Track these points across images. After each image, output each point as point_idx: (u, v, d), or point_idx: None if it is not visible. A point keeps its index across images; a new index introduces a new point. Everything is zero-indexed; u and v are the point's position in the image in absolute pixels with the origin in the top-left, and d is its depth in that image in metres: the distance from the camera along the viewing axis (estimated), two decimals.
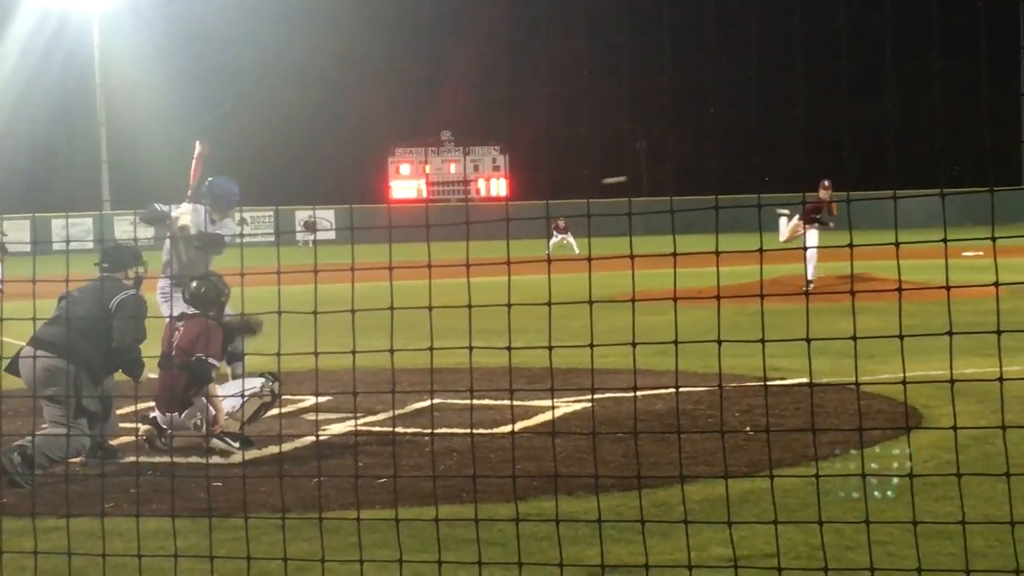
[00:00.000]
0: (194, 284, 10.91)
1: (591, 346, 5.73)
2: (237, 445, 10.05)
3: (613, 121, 76.65)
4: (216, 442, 10.03)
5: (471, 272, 5.73)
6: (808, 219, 25.54)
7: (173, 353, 10.44)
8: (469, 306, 5.89)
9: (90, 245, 60.14)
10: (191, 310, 10.68)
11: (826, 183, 25.96)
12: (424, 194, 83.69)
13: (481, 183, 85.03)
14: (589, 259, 5.93)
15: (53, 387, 9.26)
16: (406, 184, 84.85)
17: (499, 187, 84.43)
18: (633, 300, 5.58)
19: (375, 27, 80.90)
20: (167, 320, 10.94)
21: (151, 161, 64.38)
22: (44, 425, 9.38)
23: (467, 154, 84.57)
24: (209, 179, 13.15)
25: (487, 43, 77.91)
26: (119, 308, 9.65)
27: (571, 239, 48.39)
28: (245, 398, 10.24)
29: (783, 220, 26.40)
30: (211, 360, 10.31)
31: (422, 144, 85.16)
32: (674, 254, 5.48)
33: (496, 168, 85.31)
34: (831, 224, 26.22)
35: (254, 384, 10.38)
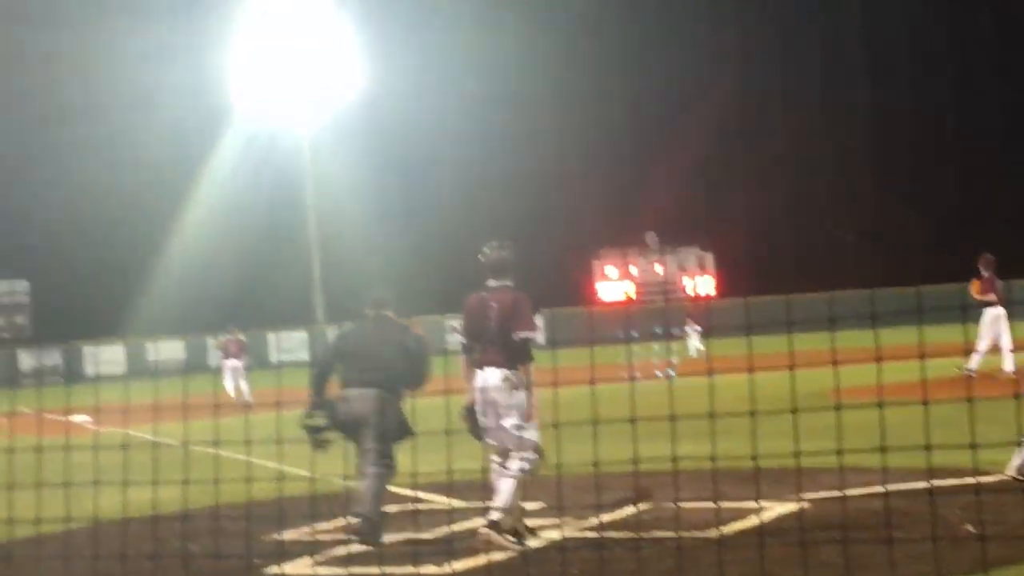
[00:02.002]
0: (488, 249, 11.16)
1: (797, 455, 5.63)
2: (514, 541, 10.16)
3: (816, 215, 75.67)
4: (491, 534, 10.13)
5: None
6: (984, 303, 24.42)
7: (493, 327, 10.66)
8: (672, 418, 5.86)
9: (305, 356, 61.52)
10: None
11: (988, 256, 24.80)
12: (632, 296, 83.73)
13: (687, 282, 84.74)
14: (792, 365, 5.84)
15: (381, 419, 10.49)
16: (613, 286, 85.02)
17: (706, 286, 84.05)
18: (838, 407, 5.48)
19: (579, 133, 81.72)
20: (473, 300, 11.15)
21: (361, 277, 65.88)
22: (368, 470, 10.48)
23: (672, 254, 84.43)
24: None
25: (690, 146, 78.24)
26: (419, 344, 11.04)
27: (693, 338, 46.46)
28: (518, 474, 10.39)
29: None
30: (530, 334, 10.61)
31: (627, 245, 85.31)
32: (878, 360, 5.37)
33: (702, 267, 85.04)
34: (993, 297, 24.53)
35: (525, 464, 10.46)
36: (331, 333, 11.84)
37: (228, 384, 32.42)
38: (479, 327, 10.83)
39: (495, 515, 10.30)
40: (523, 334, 10.61)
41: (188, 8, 68.73)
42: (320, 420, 10.73)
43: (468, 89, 75.65)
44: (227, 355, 33.34)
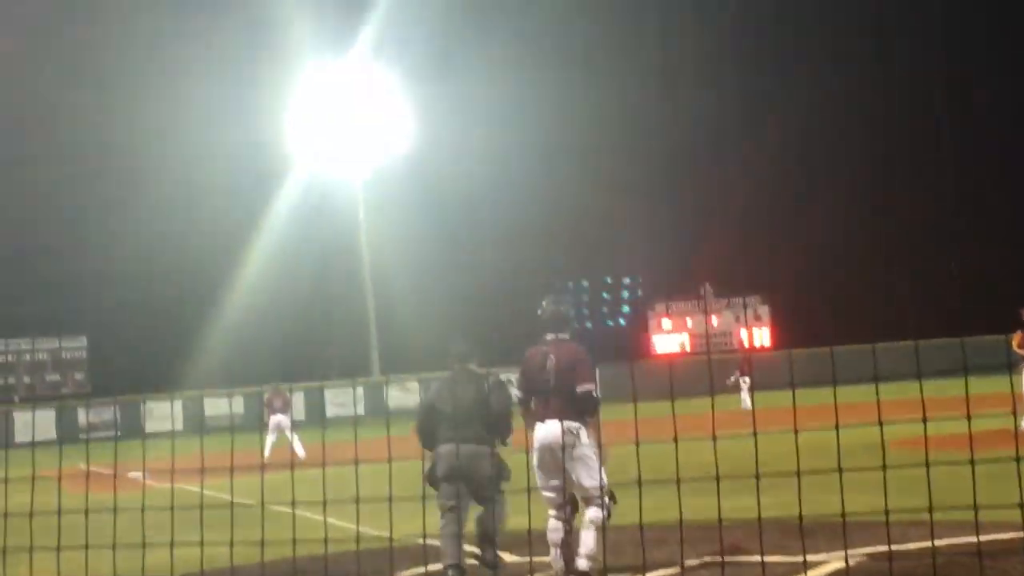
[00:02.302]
0: (546, 303, 11.30)
1: (843, 515, 5.58)
2: None
3: (875, 266, 75.31)
4: None
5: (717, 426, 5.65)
6: None
7: (551, 382, 10.68)
8: (717, 478, 5.84)
9: (362, 411, 61.54)
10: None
11: None
12: (688, 348, 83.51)
13: (743, 334, 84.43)
14: (837, 422, 5.79)
15: (482, 471, 11.07)
16: (668, 338, 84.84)
17: (762, 337, 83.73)
18: (884, 466, 5.44)
19: (633, 185, 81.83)
20: (532, 353, 11.30)
21: (416, 328, 66.00)
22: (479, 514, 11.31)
23: (728, 306, 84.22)
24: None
25: (746, 196, 78.21)
26: (496, 386, 11.58)
27: (745, 388, 46.46)
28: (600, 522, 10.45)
29: None
30: (592, 387, 10.72)
31: (682, 297, 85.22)
32: (924, 420, 5.32)
33: (758, 318, 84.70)
34: None
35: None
36: (394, 389, 12.24)
37: (269, 441, 31.83)
38: (538, 380, 10.88)
39: (583, 564, 10.34)
40: (586, 387, 10.63)
41: (245, 67, 69.70)
42: (430, 476, 11.42)
43: (520, 143, 76.04)
44: (272, 410, 33.03)
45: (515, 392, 11.24)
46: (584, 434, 10.57)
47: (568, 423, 10.51)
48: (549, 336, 11.09)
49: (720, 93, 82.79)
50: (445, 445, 11.25)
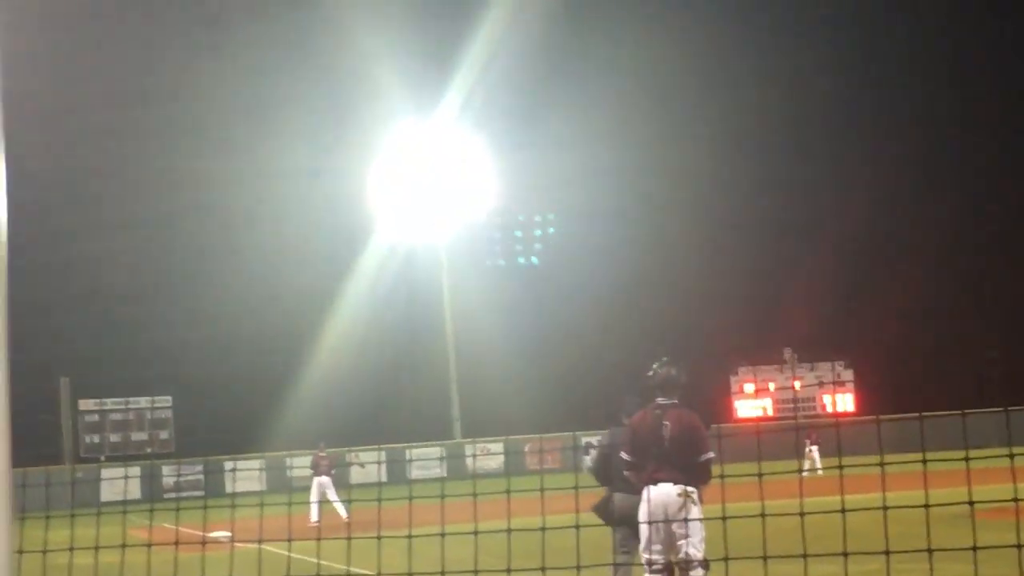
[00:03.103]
0: (657, 366, 11.31)
1: None
2: None
3: (961, 330, 74.40)
4: None
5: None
6: None
7: (667, 446, 10.65)
8: (804, 555, 5.81)
9: (441, 472, 61.47)
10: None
11: None
12: (770, 412, 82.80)
13: (827, 399, 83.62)
14: (927, 501, 5.76)
15: (628, 520, 11.27)
16: (751, 403, 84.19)
17: (845, 402, 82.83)
18: (975, 547, 5.39)
19: (715, 249, 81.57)
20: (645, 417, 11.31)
21: (498, 392, 66.06)
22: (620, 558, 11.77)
23: (811, 370, 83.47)
24: None
25: (829, 260, 77.65)
26: None
27: (816, 455, 46.09)
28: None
29: None
30: (713, 455, 10.73)
31: (765, 362, 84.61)
32: (1016, 501, 5.28)
33: (841, 383, 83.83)
34: None
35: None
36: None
37: (314, 501, 31.65)
38: (651, 444, 10.77)
39: None
40: (708, 456, 10.60)
41: (329, 130, 70.58)
42: (603, 513, 11.97)
43: (604, 207, 76.10)
44: (317, 472, 33.06)
45: (623, 455, 11.15)
46: (698, 496, 10.54)
47: (684, 487, 10.49)
48: (660, 399, 11.01)
49: (805, 157, 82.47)
50: (616, 494, 11.79)
